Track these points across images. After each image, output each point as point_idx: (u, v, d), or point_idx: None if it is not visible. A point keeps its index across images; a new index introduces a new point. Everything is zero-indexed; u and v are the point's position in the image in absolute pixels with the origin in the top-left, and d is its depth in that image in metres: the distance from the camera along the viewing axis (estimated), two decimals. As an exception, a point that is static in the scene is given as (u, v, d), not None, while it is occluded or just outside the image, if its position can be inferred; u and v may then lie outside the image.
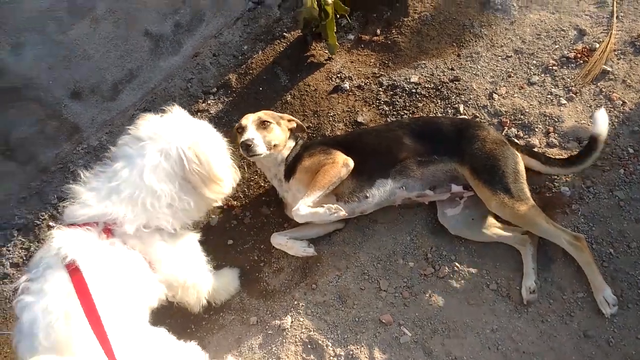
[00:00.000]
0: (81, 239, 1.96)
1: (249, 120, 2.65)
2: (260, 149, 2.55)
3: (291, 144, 2.77)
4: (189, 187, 2.18)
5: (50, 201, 3.32)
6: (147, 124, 2.19)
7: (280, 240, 2.66)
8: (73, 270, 1.85)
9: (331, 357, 2.40)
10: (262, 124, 2.64)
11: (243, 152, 2.55)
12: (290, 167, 2.67)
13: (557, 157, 2.56)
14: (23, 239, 3.27)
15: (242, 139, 2.53)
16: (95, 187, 2.10)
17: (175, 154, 2.10)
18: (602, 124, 2.44)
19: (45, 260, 1.94)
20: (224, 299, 2.73)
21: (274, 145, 2.65)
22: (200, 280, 2.42)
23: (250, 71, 3.58)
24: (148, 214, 2.07)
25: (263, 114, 2.71)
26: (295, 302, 2.60)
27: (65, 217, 2.10)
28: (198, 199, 2.24)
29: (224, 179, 2.28)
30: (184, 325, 2.70)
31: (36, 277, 1.90)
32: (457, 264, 2.50)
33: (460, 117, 2.86)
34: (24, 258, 3.23)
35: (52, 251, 1.92)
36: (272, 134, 2.65)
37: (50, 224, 3.29)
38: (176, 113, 2.27)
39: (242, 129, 2.63)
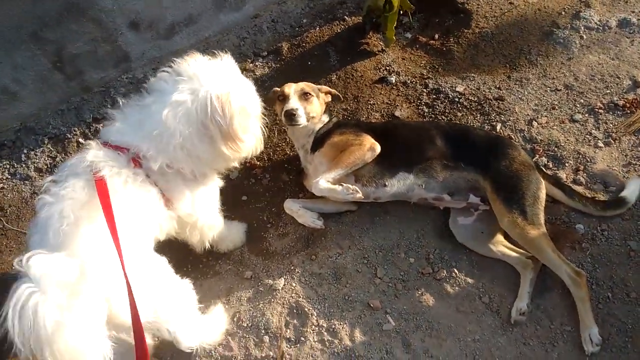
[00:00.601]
0: (112, 159, 2.02)
1: (292, 90, 2.71)
2: (302, 119, 2.62)
3: (325, 118, 2.83)
4: (206, 136, 2.09)
5: (85, 119, 3.45)
6: (192, 63, 2.13)
7: (292, 207, 2.72)
8: (99, 182, 1.92)
9: (313, 326, 2.47)
10: (304, 95, 2.71)
11: (285, 120, 2.62)
12: (319, 140, 2.73)
13: (582, 194, 2.57)
14: (51, 148, 3.40)
15: (287, 108, 2.60)
16: (128, 117, 2.13)
17: (202, 97, 2.02)
18: (633, 191, 2.55)
19: (73, 168, 2.03)
20: (227, 249, 2.81)
21: (312, 117, 2.72)
22: (209, 224, 2.49)
23: (304, 44, 3.64)
24: (169, 154, 2.06)
25: (305, 85, 2.77)
26: (292, 268, 2.67)
27: (100, 135, 2.16)
28: (213, 151, 2.14)
29: (244, 141, 2.18)
30: (181, 263, 2.79)
31: (60, 181, 1.99)
32: (456, 270, 2.53)
33: (496, 133, 2.89)
34: (48, 165, 3.36)
35: (83, 161, 1.99)
36: (311, 105, 2.71)
37: (80, 140, 3.41)
38: (225, 61, 2.20)
39: (284, 97, 2.70)
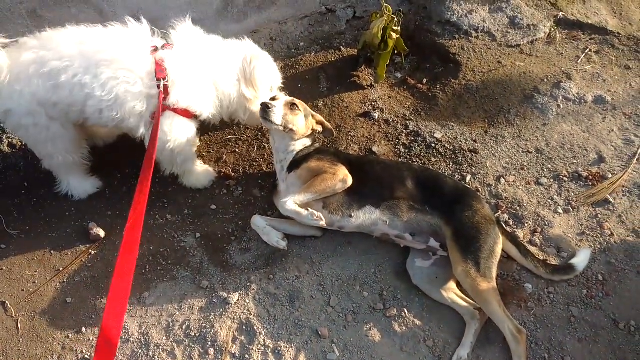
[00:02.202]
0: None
1: (282, 97, 2.86)
2: (275, 118, 2.71)
3: (307, 141, 2.91)
4: (236, 83, 2.78)
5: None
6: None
7: (259, 223, 2.77)
8: None
9: (260, 345, 2.49)
10: (292, 106, 2.81)
11: (260, 111, 2.72)
12: (297, 162, 2.80)
13: (535, 255, 2.68)
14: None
15: (265, 100, 2.74)
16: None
17: (243, 54, 2.77)
18: (582, 261, 2.68)
19: None
20: (191, 185, 3.09)
21: (290, 129, 2.79)
22: (180, 149, 2.79)
23: (297, 66, 3.73)
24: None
25: (299, 102, 2.88)
26: (249, 284, 2.70)
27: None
28: (238, 97, 2.82)
29: (258, 92, 2.82)
30: (141, 262, 2.79)
31: None
32: (406, 310, 2.60)
33: (465, 185, 3.00)
34: (22, 143, 3.32)
35: None
36: (294, 117, 2.80)
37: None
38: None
39: (273, 99, 2.82)
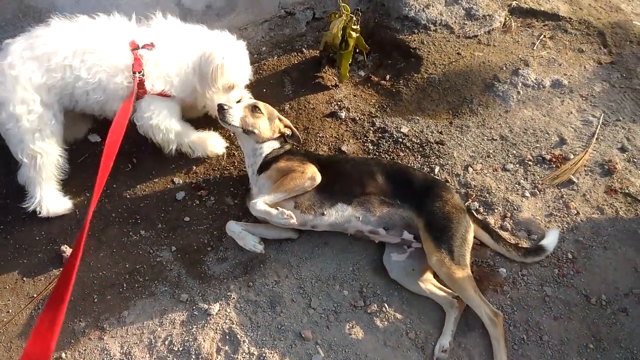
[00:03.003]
0: None
1: (247, 100, 2.92)
2: (232, 120, 2.78)
3: (275, 143, 2.93)
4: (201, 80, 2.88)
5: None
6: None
7: (234, 229, 2.76)
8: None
9: (244, 353, 2.49)
10: (253, 109, 2.86)
11: (218, 112, 2.79)
12: (267, 164, 2.82)
13: (507, 239, 2.75)
14: None
15: (218, 102, 2.80)
16: None
17: (202, 50, 2.84)
18: (552, 241, 2.76)
19: None
20: (205, 153, 3.25)
21: (252, 132, 2.84)
22: (165, 126, 2.97)
23: (260, 71, 3.74)
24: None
25: (262, 104, 2.92)
26: (228, 293, 2.69)
27: None
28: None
29: (213, 90, 2.90)
30: (118, 280, 2.76)
31: None
32: (386, 305, 2.64)
33: (433, 176, 3.05)
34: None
35: None
36: (256, 120, 2.85)
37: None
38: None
39: (238, 102, 2.90)
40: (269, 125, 2.90)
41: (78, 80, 2.71)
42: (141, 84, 2.77)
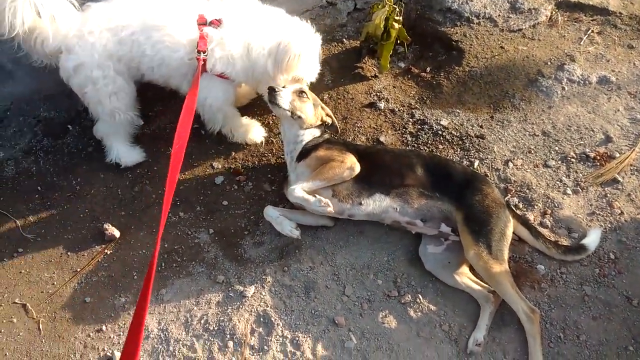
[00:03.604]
0: None
1: (292, 84, 2.90)
2: (283, 102, 2.79)
3: (316, 131, 2.94)
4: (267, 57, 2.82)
5: (77, 106, 3.47)
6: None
7: (272, 214, 2.80)
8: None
9: (278, 336, 2.53)
10: (300, 94, 2.87)
11: (267, 95, 2.80)
12: (306, 151, 2.83)
13: (546, 236, 2.70)
14: (39, 132, 3.42)
15: (270, 84, 2.80)
16: None
17: (282, 37, 2.77)
18: (593, 240, 2.70)
19: None
20: (243, 139, 3.31)
21: (298, 117, 2.85)
22: (217, 106, 3.02)
23: (301, 61, 3.74)
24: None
25: (308, 90, 2.94)
26: (264, 277, 2.73)
27: None
28: (264, 71, 2.86)
29: (283, 78, 2.88)
30: (158, 260, 2.83)
31: None
32: (420, 296, 2.63)
33: (473, 169, 3.02)
34: (34, 148, 3.37)
35: None
36: (302, 104, 2.86)
37: (69, 127, 3.45)
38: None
39: (284, 86, 2.87)
40: (314, 111, 2.92)
41: (144, 55, 2.79)
42: (204, 64, 2.78)
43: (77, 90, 2.91)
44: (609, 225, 2.82)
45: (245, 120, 3.30)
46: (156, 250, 2.02)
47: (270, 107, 2.88)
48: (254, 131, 3.31)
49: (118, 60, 2.81)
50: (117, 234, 2.93)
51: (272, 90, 2.78)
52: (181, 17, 2.79)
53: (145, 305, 1.91)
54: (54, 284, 2.77)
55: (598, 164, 3.08)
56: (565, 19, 3.98)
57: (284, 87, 2.85)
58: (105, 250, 2.89)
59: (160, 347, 2.53)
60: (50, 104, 3.52)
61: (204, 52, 2.73)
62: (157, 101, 3.51)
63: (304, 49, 2.79)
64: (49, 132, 3.44)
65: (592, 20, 3.95)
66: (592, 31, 3.85)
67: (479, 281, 2.61)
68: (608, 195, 2.95)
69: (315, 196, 2.63)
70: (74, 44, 2.73)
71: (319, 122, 2.97)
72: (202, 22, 2.78)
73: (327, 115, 3.02)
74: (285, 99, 2.79)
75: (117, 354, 2.49)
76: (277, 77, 2.87)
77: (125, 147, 3.20)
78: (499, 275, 2.42)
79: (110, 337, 2.57)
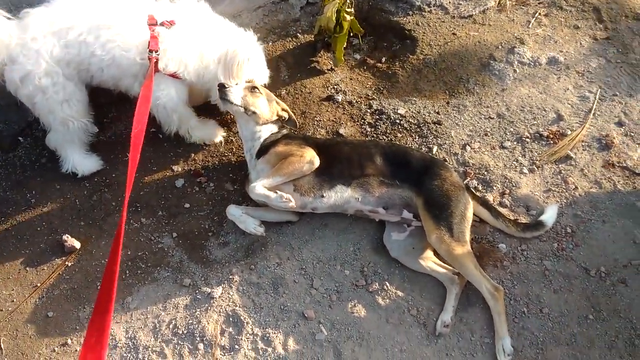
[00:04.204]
0: None
1: (243, 81, 2.87)
2: (234, 98, 2.76)
3: (273, 127, 2.93)
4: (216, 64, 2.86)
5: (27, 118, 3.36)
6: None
7: (235, 212, 2.78)
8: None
9: (248, 334, 2.52)
10: (252, 89, 2.85)
11: (218, 91, 2.78)
12: (265, 148, 2.82)
13: (506, 215, 2.77)
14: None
15: (219, 82, 2.77)
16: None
17: (234, 53, 2.75)
18: (551, 216, 2.78)
19: None
20: (199, 139, 3.26)
21: (252, 112, 2.83)
22: (170, 106, 2.97)
23: (256, 57, 3.72)
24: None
25: (260, 85, 2.92)
26: (231, 277, 2.71)
27: None
28: (214, 77, 2.87)
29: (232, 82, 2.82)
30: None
31: None
32: (387, 283, 2.66)
33: (431, 155, 3.06)
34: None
35: None
36: (255, 100, 2.84)
37: (20, 139, 3.34)
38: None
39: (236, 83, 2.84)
40: (268, 106, 2.90)
41: (93, 56, 2.72)
42: (155, 63, 2.75)
43: (26, 101, 2.81)
44: (565, 201, 2.91)
45: (202, 120, 3.25)
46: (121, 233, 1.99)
47: (222, 104, 2.86)
48: (212, 131, 3.27)
49: (67, 64, 2.72)
50: (77, 244, 2.85)
51: (222, 87, 2.75)
52: (131, 16, 2.74)
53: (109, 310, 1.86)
54: (13, 300, 2.68)
55: (551, 142, 3.17)
56: (514, 3, 4.07)
57: (236, 84, 2.83)
58: (66, 262, 2.81)
59: (129, 355, 2.49)
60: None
61: (156, 52, 2.69)
62: (110, 107, 3.44)
63: (251, 55, 2.83)
64: (-1, 145, 3.33)
65: (539, 3, 4.06)
66: (540, 14, 3.96)
67: (443, 264, 2.65)
68: (562, 171, 3.04)
69: (276, 192, 2.63)
70: (17, 53, 2.63)
71: (275, 117, 2.96)
72: (153, 23, 2.74)
73: (283, 109, 3.01)
74: (236, 94, 2.77)
75: (83, 368, 2.43)
76: (228, 80, 2.86)
77: (80, 156, 3.11)
78: (462, 256, 2.47)
79: (76, 350, 2.50)
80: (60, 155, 3.11)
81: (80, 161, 3.11)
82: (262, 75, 3.09)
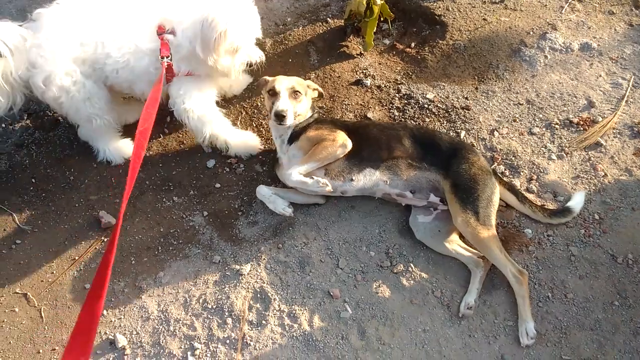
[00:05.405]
0: None
1: (283, 86, 2.79)
2: (290, 120, 2.74)
3: (309, 114, 2.95)
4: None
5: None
6: None
7: (265, 193, 2.85)
8: None
9: (275, 310, 2.60)
10: (294, 94, 2.80)
11: (274, 119, 2.73)
12: (297, 133, 2.86)
13: (532, 201, 2.77)
14: (30, 124, 3.44)
15: (277, 109, 2.70)
16: None
17: (213, 23, 2.58)
18: (578, 203, 2.76)
19: None
20: (236, 153, 3.20)
21: (298, 115, 2.84)
22: (199, 114, 2.95)
23: (286, 41, 3.77)
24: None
25: (296, 83, 2.85)
26: (259, 255, 2.79)
27: None
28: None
29: (216, 57, 2.72)
30: (153, 243, 2.89)
31: None
32: (412, 265, 2.70)
33: (459, 139, 3.07)
34: (26, 141, 3.39)
35: None
36: (300, 104, 2.83)
37: (60, 118, 3.47)
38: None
39: (275, 93, 2.78)
40: (307, 100, 2.91)
41: (108, 57, 2.74)
42: (169, 68, 2.74)
43: (52, 103, 2.85)
44: (593, 188, 2.89)
45: (239, 132, 3.20)
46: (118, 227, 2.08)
47: (276, 127, 2.87)
48: (251, 144, 3.20)
49: (82, 62, 2.73)
50: (112, 221, 2.97)
51: (280, 116, 2.70)
52: (141, 24, 2.75)
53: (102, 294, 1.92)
54: (53, 272, 2.82)
55: (581, 129, 3.14)
56: (547, -12, 4.00)
57: (274, 91, 2.79)
58: (103, 238, 2.94)
59: (161, 327, 2.60)
60: (39, 98, 3.53)
61: (167, 57, 2.71)
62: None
63: (230, 21, 2.61)
64: (40, 125, 3.46)
65: (573, -12, 3.98)
66: (573, -1, 3.89)
67: (468, 247, 2.68)
68: (592, 158, 3.01)
69: (312, 177, 2.67)
70: (35, 56, 2.64)
71: (311, 104, 2.97)
72: (162, 31, 2.74)
73: (314, 89, 3.00)
74: (290, 117, 2.74)
75: (119, 337, 2.55)
76: (208, 56, 2.71)
77: (112, 146, 3.19)
78: (487, 240, 2.49)
79: (111, 321, 2.63)
80: (93, 147, 3.22)
81: (113, 151, 3.19)
82: (251, 34, 2.83)
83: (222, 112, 3.11)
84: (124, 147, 3.23)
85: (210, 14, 2.59)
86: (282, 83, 2.81)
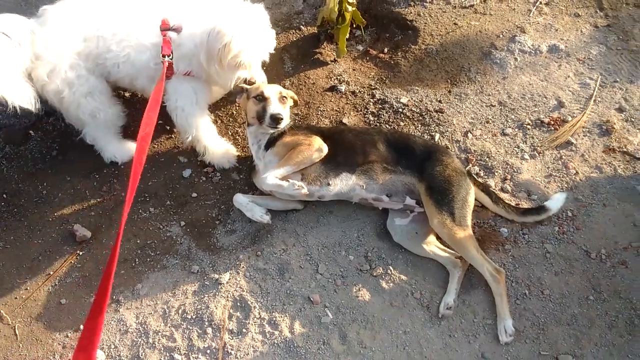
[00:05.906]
0: None
1: (272, 92, 2.81)
2: (284, 122, 2.77)
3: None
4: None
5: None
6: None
7: (242, 201, 2.84)
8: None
9: (255, 318, 2.58)
10: (282, 99, 2.84)
11: (269, 122, 2.73)
12: (273, 140, 2.86)
13: (506, 201, 2.81)
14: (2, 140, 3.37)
15: (273, 112, 2.71)
16: None
17: (220, 34, 2.57)
18: (556, 203, 2.79)
19: None
20: (209, 160, 3.17)
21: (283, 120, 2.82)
22: (187, 111, 2.94)
23: (260, 50, 3.77)
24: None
25: (282, 89, 2.89)
26: (238, 263, 2.78)
27: None
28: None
29: (219, 69, 2.72)
30: (130, 255, 2.85)
31: None
32: (391, 268, 2.71)
33: (433, 142, 3.11)
34: (-4, 157, 3.31)
35: None
36: (286, 109, 2.86)
37: (31, 132, 3.41)
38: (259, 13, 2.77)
39: (264, 98, 2.79)
40: (289, 105, 2.93)
41: (109, 52, 2.73)
42: (169, 66, 2.73)
43: (53, 97, 2.80)
44: (566, 185, 2.95)
45: (221, 141, 3.19)
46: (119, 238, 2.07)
47: (270, 129, 2.84)
48: (228, 157, 3.20)
49: (86, 57, 2.74)
50: (88, 234, 2.92)
51: (276, 120, 2.72)
52: (144, 19, 2.75)
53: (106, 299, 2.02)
54: (27, 289, 2.75)
55: (552, 128, 3.21)
56: (514, -8, 4.09)
57: (263, 96, 2.81)
58: (78, 252, 2.88)
59: (140, 340, 2.56)
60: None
61: (168, 56, 2.69)
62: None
63: (236, 33, 2.59)
64: (10, 139, 3.39)
65: (540, -8, 4.08)
66: (540, 2, 3.98)
67: (445, 248, 2.70)
68: (563, 157, 3.08)
69: (288, 180, 2.67)
70: (41, 48, 2.63)
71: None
72: (166, 27, 2.73)
73: (291, 97, 3.01)
74: (286, 119, 2.79)
75: (97, 352, 2.50)
76: (211, 66, 2.71)
77: (117, 144, 3.18)
78: (464, 240, 2.52)
79: (88, 336, 2.57)
80: (98, 148, 3.18)
81: (118, 149, 3.19)
82: (259, 52, 2.82)
83: (210, 118, 3.11)
84: (128, 147, 3.21)
85: (218, 24, 2.59)
86: (270, 88, 2.85)
